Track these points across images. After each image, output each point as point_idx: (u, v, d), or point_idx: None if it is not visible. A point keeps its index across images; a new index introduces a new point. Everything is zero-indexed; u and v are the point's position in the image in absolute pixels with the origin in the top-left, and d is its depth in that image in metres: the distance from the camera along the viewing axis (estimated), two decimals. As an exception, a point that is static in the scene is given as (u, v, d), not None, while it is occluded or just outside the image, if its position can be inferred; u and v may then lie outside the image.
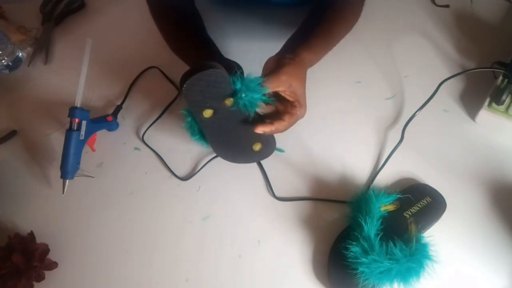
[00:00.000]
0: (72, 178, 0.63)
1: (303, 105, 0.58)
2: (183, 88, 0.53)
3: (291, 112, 0.58)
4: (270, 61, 0.59)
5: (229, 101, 0.55)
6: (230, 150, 0.64)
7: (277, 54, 0.61)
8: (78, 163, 0.64)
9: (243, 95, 0.54)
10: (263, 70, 0.59)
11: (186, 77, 0.53)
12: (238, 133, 0.60)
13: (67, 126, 0.63)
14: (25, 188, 0.67)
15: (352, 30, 0.69)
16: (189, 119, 0.60)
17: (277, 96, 0.58)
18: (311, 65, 0.62)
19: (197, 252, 0.61)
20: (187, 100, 0.55)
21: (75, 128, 0.63)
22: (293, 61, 0.58)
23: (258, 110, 0.58)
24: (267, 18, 0.83)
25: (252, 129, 0.57)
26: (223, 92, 0.55)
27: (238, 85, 0.54)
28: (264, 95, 0.56)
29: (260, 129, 0.56)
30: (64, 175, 0.62)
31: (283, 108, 0.59)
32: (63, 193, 0.63)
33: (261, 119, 0.59)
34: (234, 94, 0.55)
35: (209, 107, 0.56)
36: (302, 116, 0.59)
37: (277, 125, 0.57)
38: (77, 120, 0.63)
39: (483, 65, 0.74)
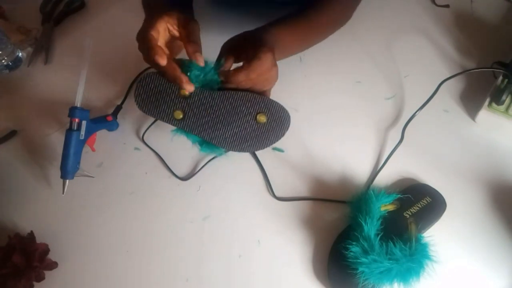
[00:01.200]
0: (72, 178, 0.63)
1: (253, 42, 0.55)
2: (139, 107, 0.60)
3: (251, 55, 0.54)
4: None
5: (183, 90, 0.57)
6: (239, 138, 0.60)
7: None
8: (78, 163, 0.64)
9: (188, 74, 0.55)
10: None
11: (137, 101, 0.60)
12: (229, 114, 0.58)
13: (67, 126, 0.63)
14: (25, 188, 0.67)
15: (352, 30, 0.69)
16: (185, 135, 0.62)
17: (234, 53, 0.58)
18: (278, 37, 0.60)
19: (197, 252, 0.61)
20: (153, 115, 0.60)
21: (75, 128, 0.63)
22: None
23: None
24: (267, 17, 0.83)
25: (239, 101, 0.57)
26: (171, 85, 0.58)
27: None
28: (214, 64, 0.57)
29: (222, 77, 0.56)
30: (64, 175, 0.62)
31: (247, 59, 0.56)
32: (63, 193, 0.63)
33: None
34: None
35: (176, 109, 0.59)
36: (262, 53, 0.54)
37: (237, 71, 0.54)
38: (77, 120, 0.63)
39: (483, 65, 0.74)
